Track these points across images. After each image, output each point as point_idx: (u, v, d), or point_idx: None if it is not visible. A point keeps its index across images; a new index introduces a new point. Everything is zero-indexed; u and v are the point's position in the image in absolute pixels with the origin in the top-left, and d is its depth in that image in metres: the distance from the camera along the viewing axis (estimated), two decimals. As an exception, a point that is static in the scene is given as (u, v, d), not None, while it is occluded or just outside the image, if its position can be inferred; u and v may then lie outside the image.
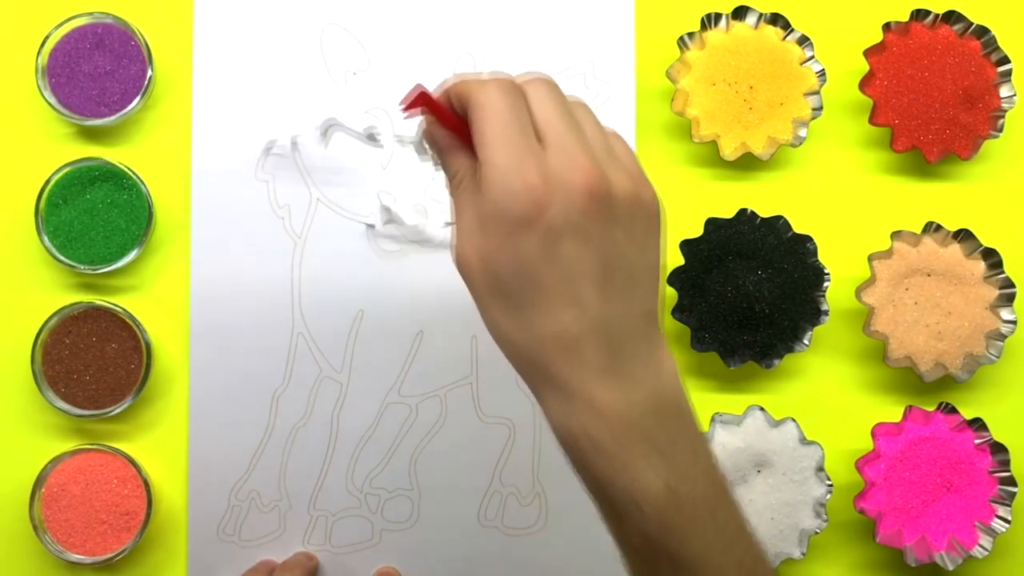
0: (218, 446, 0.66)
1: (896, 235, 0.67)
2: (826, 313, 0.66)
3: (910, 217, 0.68)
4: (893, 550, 0.65)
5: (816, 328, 0.66)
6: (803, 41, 0.68)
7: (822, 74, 0.67)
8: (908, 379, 0.68)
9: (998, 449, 0.66)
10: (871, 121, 0.67)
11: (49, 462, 0.64)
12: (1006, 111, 0.68)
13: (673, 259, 0.66)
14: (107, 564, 0.64)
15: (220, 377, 0.66)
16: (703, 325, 0.66)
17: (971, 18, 0.68)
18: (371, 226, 0.66)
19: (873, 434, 0.66)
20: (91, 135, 0.67)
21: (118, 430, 0.66)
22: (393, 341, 0.67)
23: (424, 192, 0.67)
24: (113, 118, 0.66)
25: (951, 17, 0.68)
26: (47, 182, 0.65)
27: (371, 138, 0.65)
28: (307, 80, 0.67)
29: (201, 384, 0.66)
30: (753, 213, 0.66)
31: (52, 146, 0.67)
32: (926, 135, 0.67)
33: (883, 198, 0.70)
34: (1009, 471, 0.66)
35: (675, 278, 0.66)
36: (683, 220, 0.67)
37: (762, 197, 0.69)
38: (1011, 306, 0.66)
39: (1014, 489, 0.65)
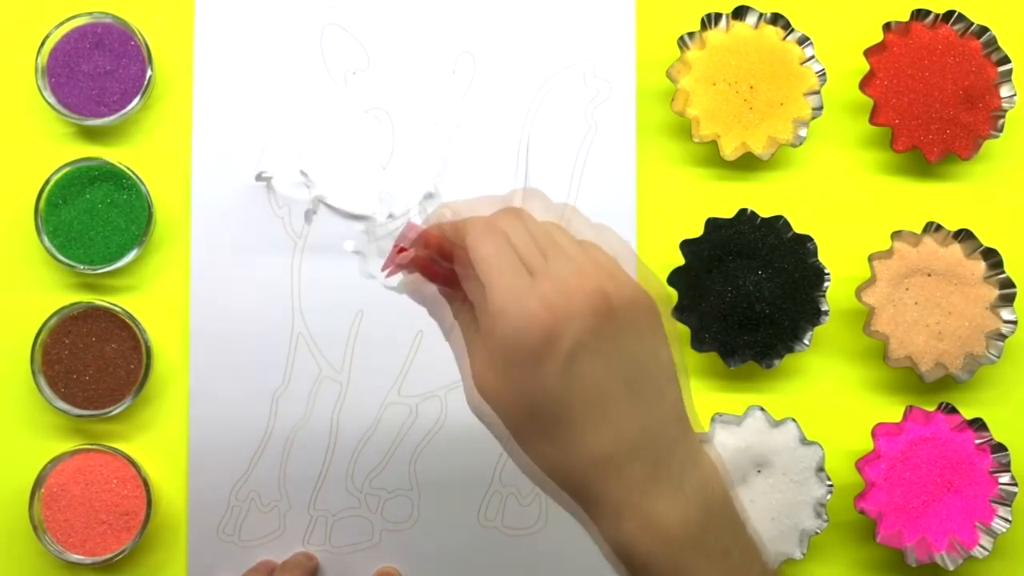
0: (218, 446, 0.66)
1: (896, 235, 0.67)
2: (826, 313, 0.66)
3: (910, 217, 0.68)
4: (893, 550, 0.65)
5: (816, 328, 0.66)
6: (803, 41, 0.68)
7: (822, 74, 0.67)
8: (908, 379, 0.68)
9: (998, 449, 0.66)
10: (871, 121, 0.67)
11: (49, 462, 0.64)
12: (1006, 111, 0.68)
13: (673, 259, 0.66)
14: (107, 564, 0.64)
15: (220, 377, 0.66)
16: (703, 325, 0.66)
17: (971, 18, 0.68)
18: (358, 252, 0.66)
19: (873, 434, 0.66)
20: (91, 135, 0.67)
21: (118, 430, 0.66)
22: (393, 341, 0.67)
23: (424, 192, 0.67)
24: (113, 118, 0.65)
25: (951, 17, 0.68)
26: (47, 182, 0.65)
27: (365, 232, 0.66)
28: (307, 80, 0.67)
29: (201, 384, 0.66)
30: (753, 213, 0.66)
31: (52, 146, 0.67)
32: (926, 135, 0.67)
33: (883, 198, 0.70)
34: (1009, 471, 0.66)
35: (675, 278, 0.66)
36: (683, 220, 0.67)
37: (762, 197, 0.69)
38: (1011, 306, 0.66)
39: (1014, 489, 0.65)
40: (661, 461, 0.42)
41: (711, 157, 0.69)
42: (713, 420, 0.65)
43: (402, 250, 0.45)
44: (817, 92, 0.67)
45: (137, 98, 0.66)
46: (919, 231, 0.67)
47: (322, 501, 0.66)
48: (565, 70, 0.68)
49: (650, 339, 0.43)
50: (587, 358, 0.41)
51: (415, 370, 0.67)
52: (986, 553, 0.65)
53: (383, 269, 0.46)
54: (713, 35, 0.67)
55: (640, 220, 0.68)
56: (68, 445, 0.65)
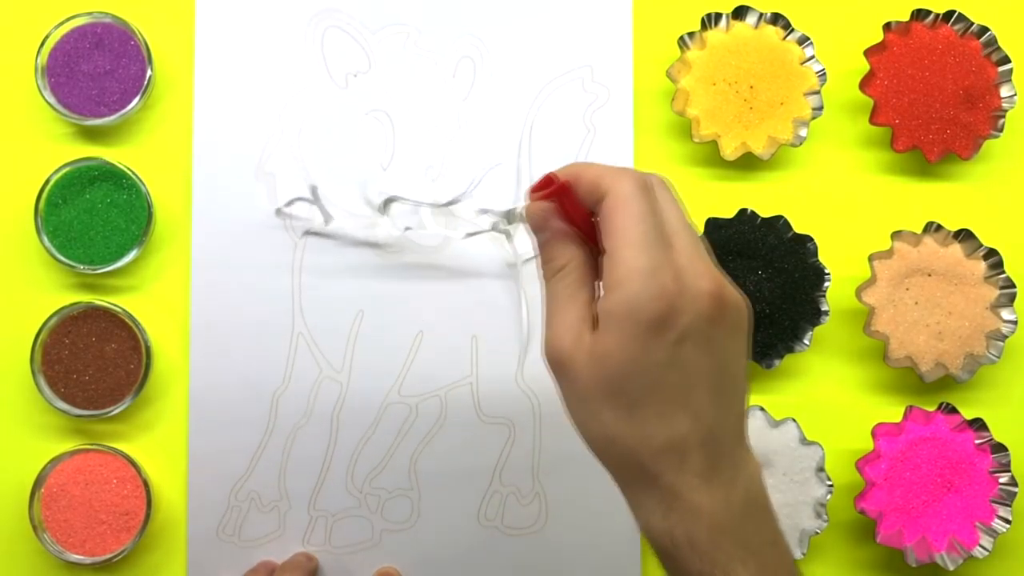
0: (218, 446, 0.65)
1: (896, 235, 0.67)
2: (826, 313, 0.66)
3: (910, 217, 0.68)
4: (893, 550, 0.65)
5: (816, 328, 0.66)
6: (803, 41, 0.68)
7: (822, 74, 0.67)
8: (908, 379, 0.68)
9: (998, 449, 0.66)
10: (872, 121, 0.67)
11: (49, 462, 0.64)
12: (1007, 111, 0.68)
13: (673, 259, 0.66)
14: (107, 564, 0.64)
15: (220, 377, 0.66)
16: (703, 325, 0.66)
17: (972, 18, 0.68)
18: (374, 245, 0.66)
19: (873, 434, 0.66)
20: (90, 135, 0.67)
21: (118, 430, 0.66)
22: (393, 341, 0.67)
23: (423, 193, 0.67)
24: (112, 118, 0.65)
25: (952, 17, 0.68)
26: (46, 182, 0.64)
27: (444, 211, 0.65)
28: (308, 81, 0.67)
29: (201, 384, 0.66)
30: (753, 213, 0.66)
31: (51, 146, 0.67)
32: (926, 135, 0.67)
33: (883, 198, 0.70)
34: (1009, 471, 0.66)
35: (675, 278, 0.66)
36: (683, 220, 0.67)
37: (762, 197, 0.69)
38: (1012, 306, 0.66)
39: (1015, 489, 0.65)
40: (720, 459, 0.42)
41: (711, 157, 0.69)
42: (713, 420, 0.65)
43: (549, 181, 0.44)
44: (817, 92, 0.67)
45: (137, 98, 0.66)
46: (919, 231, 0.67)
47: (322, 501, 0.66)
48: (564, 75, 0.68)
49: (741, 343, 0.44)
50: (694, 344, 0.41)
51: (415, 370, 0.67)
52: (986, 553, 0.65)
53: (531, 190, 0.44)
54: (713, 35, 0.67)
55: (640, 220, 0.68)
56: (68, 445, 0.65)
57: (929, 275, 0.67)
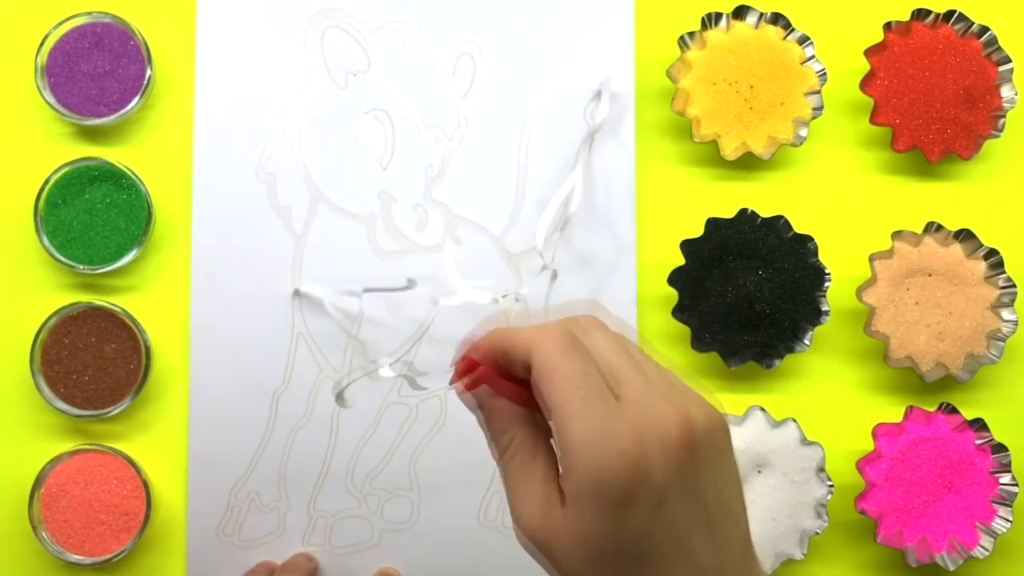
0: (218, 446, 0.65)
1: (897, 235, 0.67)
2: (827, 313, 0.66)
3: (911, 217, 0.68)
4: (894, 551, 0.65)
5: (817, 328, 0.66)
6: (804, 41, 0.67)
7: (823, 74, 0.67)
8: (909, 379, 0.68)
9: (999, 449, 0.66)
10: (872, 121, 0.67)
11: (48, 462, 0.64)
12: (1007, 111, 0.68)
13: (673, 259, 0.66)
14: (106, 564, 0.64)
15: (220, 377, 0.66)
16: (703, 325, 0.66)
17: (972, 18, 0.68)
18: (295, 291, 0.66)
19: (874, 434, 0.66)
20: (90, 135, 0.67)
21: (117, 430, 0.66)
22: (393, 341, 0.67)
23: (424, 192, 0.67)
24: (112, 118, 0.65)
25: (952, 17, 0.68)
26: (46, 182, 0.64)
27: (410, 380, 0.65)
28: (307, 81, 0.67)
29: (201, 384, 0.66)
30: (754, 213, 0.66)
31: (51, 146, 0.67)
32: (927, 135, 0.67)
33: (884, 198, 0.70)
34: (1010, 471, 0.66)
35: (675, 278, 0.66)
36: (683, 220, 0.67)
37: (763, 197, 0.68)
38: (1012, 306, 0.66)
39: (1015, 489, 0.65)
40: None
41: (711, 157, 0.68)
42: (713, 420, 0.65)
43: (470, 363, 0.41)
44: (817, 92, 0.67)
45: (137, 98, 0.66)
46: (920, 231, 0.67)
47: (322, 501, 0.66)
48: (565, 72, 0.68)
49: (728, 464, 0.40)
50: (676, 498, 0.38)
51: (415, 370, 0.67)
52: (986, 553, 0.65)
53: (451, 383, 0.41)
54: (713, 35, 0.67)
55: (640, 220, 0.68)
56: (68, 445, 0.65)
57: (929, 275, 0.66)
